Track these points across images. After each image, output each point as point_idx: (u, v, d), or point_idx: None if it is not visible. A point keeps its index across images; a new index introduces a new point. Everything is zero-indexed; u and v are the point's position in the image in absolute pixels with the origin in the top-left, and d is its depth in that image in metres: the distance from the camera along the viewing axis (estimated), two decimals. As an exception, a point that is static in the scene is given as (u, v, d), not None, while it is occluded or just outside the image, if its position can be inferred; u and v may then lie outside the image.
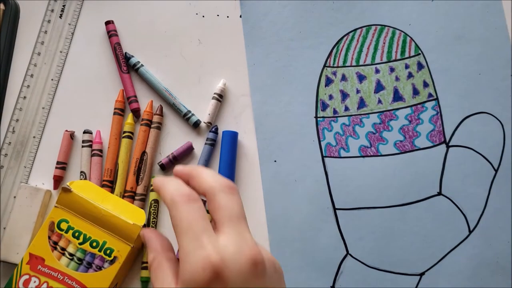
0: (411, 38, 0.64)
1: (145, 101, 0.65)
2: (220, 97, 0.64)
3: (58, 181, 0.63)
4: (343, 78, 0.63)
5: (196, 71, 0.65)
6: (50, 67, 0.65)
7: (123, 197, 0.62)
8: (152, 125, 0.63)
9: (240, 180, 0.63)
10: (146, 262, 0.61)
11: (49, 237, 0.58)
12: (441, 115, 0.62)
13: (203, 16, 0.66)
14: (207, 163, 0.63)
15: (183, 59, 0.66)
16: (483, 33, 0.63)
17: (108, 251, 0.58)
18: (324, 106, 0.63)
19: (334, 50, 0.64)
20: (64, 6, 0.66)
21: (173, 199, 0.41)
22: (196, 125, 0.64)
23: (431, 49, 0.63)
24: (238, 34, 0.66)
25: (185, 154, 0.63)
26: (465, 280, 0.58)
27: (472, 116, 0.62)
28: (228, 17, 0.66)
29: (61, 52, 0.66)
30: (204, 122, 0.64)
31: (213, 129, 0.63)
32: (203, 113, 0.64)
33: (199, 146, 0.64)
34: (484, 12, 0.64)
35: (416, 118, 0.62)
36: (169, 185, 0.42)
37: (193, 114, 0.64)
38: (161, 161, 0.63)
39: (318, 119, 0.63)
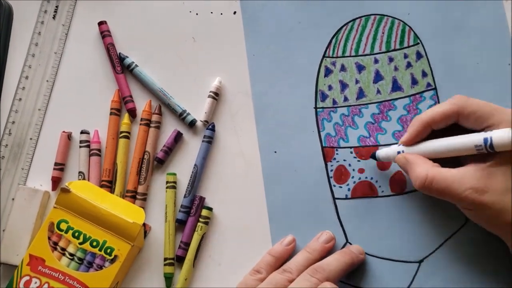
0: (410, 27, 0.65)
1: (141, 101, 0.67)
2: (216, 95, 0.66)
3: (56, 182, 0.65)
4: (342, 68, 0.65)
5: (191, 70, 0.67)
6: (45, 68, 0.68)
7: (124, 197, 0.64)
8: (152, 125, 0.66)
9: (239, 175, 0.65)
10: (169, 259, 0.63)
11: (49, 238, 0.60)
12: (439, 105, 0.64)
13: (197, 14, 0.68)
14: (204, 160, 0.65)
15: (178, 58, 0.68)
16: (482, 23, 0.65)
17: (108, 250, 0.60)
18: (324, 97, 0.65)
19: (333, 40, 0.66)
20: (57, 7, 0.69)
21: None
22: (192, 125, 0.66)
23: (430, 39, 0.65)
24: (232, 31, 0.68)
25: (176, 142, 0.66)
26: (464, 267, 0.60)
27: None
28: (222, 14, 0.68)
29: (55, 53, 0.68)
30: (201, 121, 0.66)
31: (210, 127, 0.65)
32: (199, 111, 0.66)
33: (196, 145, 0.66)
34: (483, 1, 0.65)
35: (415, 108, 0.63)
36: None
37: (188, 114, 0.66)
38: (156, 156, 0.65)
39: (318, 109, 0.65)
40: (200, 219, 0.64)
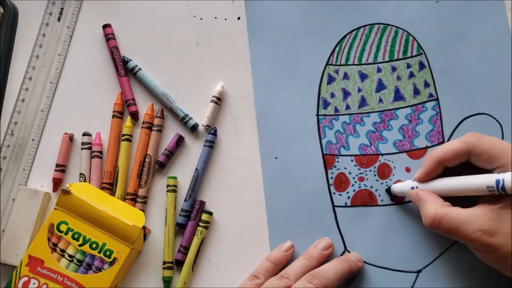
0: (413, 37, 0.66)
1: (143, 104, 0.67)
2: (219, 100, 0.66)
3: (57, 183, 0.66)
4: (345, 76, 0.66)
5: (194, 74, 0.68)
6: (48, 70, 0.68)
7: (125, 199, 0.65)
8: (154, 128, 0.66)
9: (240, 180, 0.66)
10: (168, 262, 0.64)
11: (48, 239, 0.61)
12: (440, 116, 0.64)
13: (201, 19, 0.69)
14: (205, 164, 0.65)
15: (181, 62, 0.68)
16: (485, 34, 0.65)
17: (107, 253, 0.60)
18: (326, 104, 0.66)
19: (337, 48, 0.66)
20: (62, 9, 0.69)
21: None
22: (193, 129, 0.66)
23: (433, 49, 0.65)
24: (236, 36, 0.68)
25: (178, 146, 0.66)
26: (463, 278, 0.60)
27: (472, 117, 0.64)
28: (226, 19, 0.69)
29: (59, 55, 0.68)
30: (203, 125, 0.66)
31: (212, 131, 0.66)
32: (201, 116, 0.67)
33: (197, 149, 0.66)
34: (486, 12, 0.66)
35: (416, 118, 0.64)
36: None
37: (190, 118, 0.66)
38: (158, 160, 0.66)
39: (320, 117, 0.65)
40: (200, 224, 0.64)
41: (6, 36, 0.67)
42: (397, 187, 0.62)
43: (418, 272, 0.61)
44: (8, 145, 0.67)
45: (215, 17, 0.69)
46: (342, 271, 0.59)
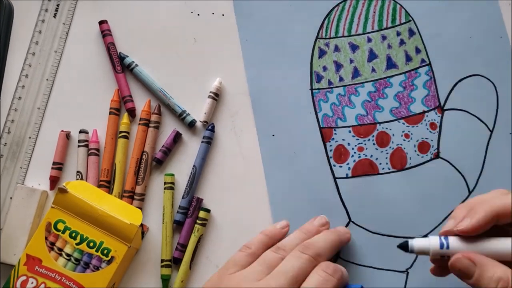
0: (400, 5, 0.66)
1: (140, 101, 0.68)
2: (216, 96, 0.67)
3: (54, 181, 0.66)
4: (336, 49, 0.66)
5: (191, 70, 0.68)
6: (44, 67, 0.69)
7: (122, 197, 0.65)
8: (151, 125, 0.66)
9: (238, 176, 0.65)
10: (166, 260, 0.63)
11: (46, 238, 0.61)
12: (434, 80, 0.65)
13: (198, 15, 0.69)
14: (203, 161, 0.65)
15: (179, 58, 0.69)
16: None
17: (105, 251, 0.60)
18: (319, 78, 0.66)
19: (326, 22, 0.67)
20: (58, 5, 0.70)
21: None
22: (191, 125, 0.66)
23: (421, 15, 0.66)
24: (233, 32, 0.69)
25: (175, 142, 0.66)
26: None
27: (465, 79, 0.64)
28: (223, 15, 0.69)
29: (55, 52, 0.69)
30: (200, 121, 0.66)
31: (209, 127, 0.66)
32: (199, 112, 0.67)
33: (195, 145, 0.66)
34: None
35: (410, 84, 0.65)
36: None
37: (188, 114, 0.67)
38: (155, 157, 0.66)
39: (314, 91, 0.66)
40: (197, 221, 0.64)
41: (1, 33, 0.68)
42: (418, 244, 0.49)
43: (424, 237, 0.60)
44: (5, 143, 0.67)
45: (212, 13, 0.70)
46: (333, 240, 0.58)
